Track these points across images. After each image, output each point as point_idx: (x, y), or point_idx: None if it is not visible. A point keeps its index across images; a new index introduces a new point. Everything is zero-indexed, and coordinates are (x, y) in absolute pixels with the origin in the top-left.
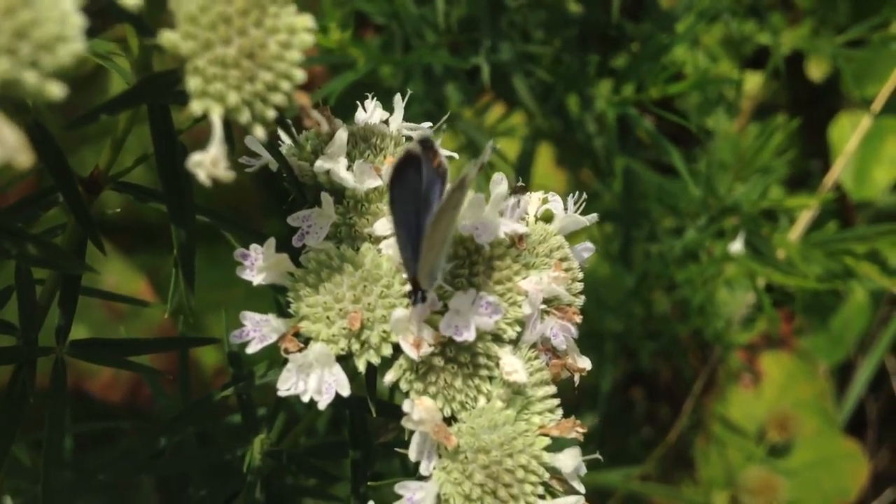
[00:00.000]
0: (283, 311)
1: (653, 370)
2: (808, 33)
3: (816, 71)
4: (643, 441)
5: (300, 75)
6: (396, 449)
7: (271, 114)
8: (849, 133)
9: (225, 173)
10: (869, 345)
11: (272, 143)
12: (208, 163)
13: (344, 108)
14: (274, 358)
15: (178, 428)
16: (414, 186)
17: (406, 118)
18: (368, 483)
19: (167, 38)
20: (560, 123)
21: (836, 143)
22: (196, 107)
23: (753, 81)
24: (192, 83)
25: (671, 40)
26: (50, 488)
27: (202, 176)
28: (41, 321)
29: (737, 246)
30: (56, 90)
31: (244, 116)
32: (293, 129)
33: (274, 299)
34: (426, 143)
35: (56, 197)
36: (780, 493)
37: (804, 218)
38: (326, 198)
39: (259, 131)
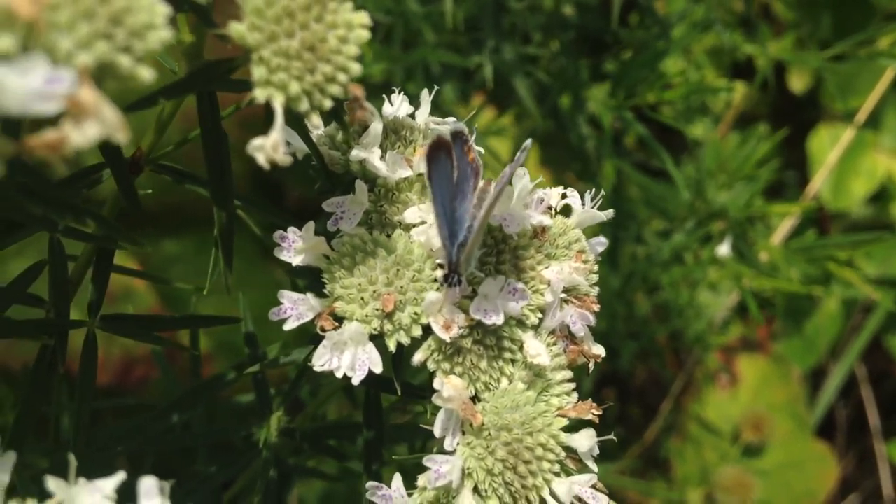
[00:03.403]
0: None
1: (628, 372)
2: (790, 46)
3: (798, 83)
4: (616, 441)
5: (356, 68)
6: (423, 426)
7: (328, 103)
8: (827, 145)
9: (283, 157)
10: (840, 351)
11: (305, 133)
12: (269, 147)
13: None
14: (286, 340)
15: (190, 404)
16: (447, 172)
17: None
18: (395, 457)
19: (235, 28)
20: (554, 125)
21: (815, 154)
22: (260, 94)
23: (735, 91)
24: (257, 72)
25: (667, 47)
26: (80, 452)
27: (261, 159)
28: (72, 296)
29: (724, 249)
30: (146, 74)
31: (303, 105)
32: (344, 120)
33: (292, 283)
34: (459, 135)
35: (98, 176)
36: (753, 492)
37: (785, 225)
38: (361, 185)
39: (316, 119)
